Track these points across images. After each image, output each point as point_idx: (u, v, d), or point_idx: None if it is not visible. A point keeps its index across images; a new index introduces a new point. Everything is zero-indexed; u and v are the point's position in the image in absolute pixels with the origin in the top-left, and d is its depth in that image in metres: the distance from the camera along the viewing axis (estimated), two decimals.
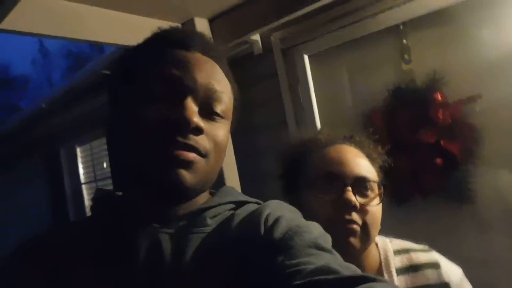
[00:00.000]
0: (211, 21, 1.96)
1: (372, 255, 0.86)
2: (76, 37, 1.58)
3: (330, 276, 0.43)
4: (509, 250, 1.53)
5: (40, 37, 1.70)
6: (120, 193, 0.61)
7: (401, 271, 0.85)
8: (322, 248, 0.50)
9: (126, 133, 0.54)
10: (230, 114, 0.59)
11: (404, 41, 1.75)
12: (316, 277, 0.43)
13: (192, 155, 0.52)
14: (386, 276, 0.84)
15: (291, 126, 2.10)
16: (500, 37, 1.56)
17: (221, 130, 0.56)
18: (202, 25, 1.93)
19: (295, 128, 2.07)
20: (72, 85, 3.22)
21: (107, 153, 3.41)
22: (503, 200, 1.56)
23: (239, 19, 1.90)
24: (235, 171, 1.91)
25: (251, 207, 0.59)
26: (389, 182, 0.90)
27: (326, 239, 0.53)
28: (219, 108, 0.56)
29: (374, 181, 0.84)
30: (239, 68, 0.79)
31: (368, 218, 0.80)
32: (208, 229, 0.55)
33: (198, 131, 0.52)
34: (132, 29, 1.67)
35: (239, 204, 0.60)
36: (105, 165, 3.58)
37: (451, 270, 0.86)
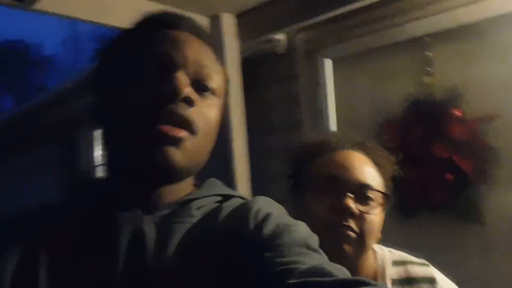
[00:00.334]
0: (239, 16, 1.98)
1: (368, 263, 0.86)
2: (106, 23, 1.63)
3: (327, 278, 0.43)
4: None
5: (71, 20, 1.74)
6: (103, 177, 0.57)
7: (396, 282, 0.84)
8: (311, 248, 0.49)
9: (114, 113, 0.52)
10: (222, 95, 0.56)
11: (428, 53, 1.74)
12: (311, 278, 0.43)
13: (182, 132, 0.49)
14: None
15: (306, 129, 2.09)
16: None
17: (213, 108, 0.54)
18: (229, 20, 1.94)
19: (310, 131, 2.07)
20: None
21: None
22: None
23: (267, 16, 1.91)
24: (247, 170, 1.90)
25: (237, 201, 0.57)
26: (397, 194, 0.89)
27: (314, 239, 0.52)
28: (210, 84, 0.53)
29: (377, 190, 0.83)
30: (259, 67, 0.80)
31: (366, 227, 0.80)
32: (193, 220, 0.53)
33: (189, 102, 0.49)
34: None
35: (225, 197, 0.58)
36: None
37: (447, 287, 0.85)
